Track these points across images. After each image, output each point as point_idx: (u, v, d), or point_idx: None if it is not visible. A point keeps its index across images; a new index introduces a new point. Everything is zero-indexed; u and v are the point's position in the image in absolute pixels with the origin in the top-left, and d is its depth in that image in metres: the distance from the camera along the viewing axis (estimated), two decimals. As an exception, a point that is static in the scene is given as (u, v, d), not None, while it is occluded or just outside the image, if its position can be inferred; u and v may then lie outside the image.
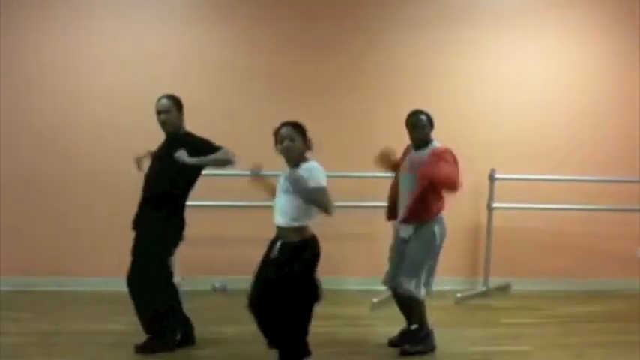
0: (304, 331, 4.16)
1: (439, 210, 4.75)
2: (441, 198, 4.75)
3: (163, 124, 4.66)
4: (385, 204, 5.05)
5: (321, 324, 4.65)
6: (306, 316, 4.15)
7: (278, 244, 4.10)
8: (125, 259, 4.57)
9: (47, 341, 4.79)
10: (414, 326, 4.85)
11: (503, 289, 6.69)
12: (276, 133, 4.13)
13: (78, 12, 6.27)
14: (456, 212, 6.63)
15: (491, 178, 6.42)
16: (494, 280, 6.62)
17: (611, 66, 6.86)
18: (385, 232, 6.24)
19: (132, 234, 4.61)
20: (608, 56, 6.86)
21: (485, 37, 6.69)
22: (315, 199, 3.98)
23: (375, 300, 6.03)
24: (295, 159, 4.12)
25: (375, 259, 6.49)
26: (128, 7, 6.34)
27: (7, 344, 4.66)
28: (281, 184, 4.16)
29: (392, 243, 4.98)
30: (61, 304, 5.73)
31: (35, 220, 6.26)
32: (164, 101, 4.65)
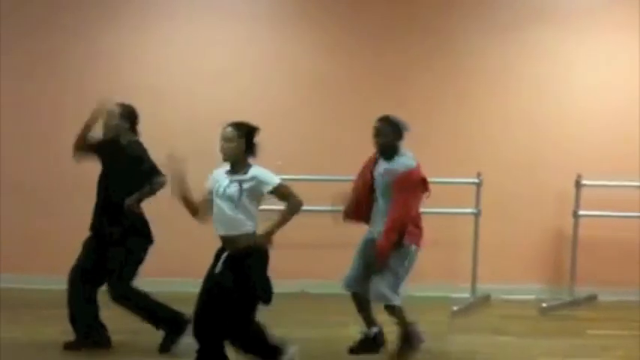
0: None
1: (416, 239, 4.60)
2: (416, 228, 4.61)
3: (104, 126, 4.72)
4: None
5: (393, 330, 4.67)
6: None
7: (224, 256, 3.99)
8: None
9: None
10: (374, 330, 4.73)
11: (590, 300, 6.44)
12: (222, 131, 4.03)
13: (156, 18, 6.47)
14: (539, 219, 6.52)
15: (578, 185, 6.18)
16: (580, 290, 6.36)
17: None
18: (464, 238, 6.17)
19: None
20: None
21: (571, 38, 6.46)
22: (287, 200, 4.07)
23: (454, 308, 5.91)
24: (233, 161, 4.00)
25: (453, 265, 6.41)
26: (208, 14, 6.48)
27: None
28: (219, 190, 3.98)
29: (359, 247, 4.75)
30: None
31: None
32: (114, 108, 4.72)
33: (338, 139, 6.33)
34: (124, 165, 4.70)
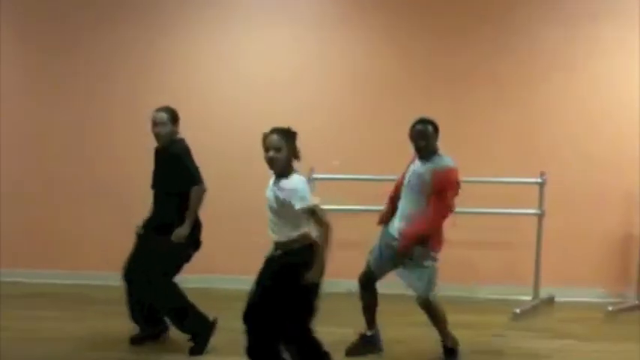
0: None
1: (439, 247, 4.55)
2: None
3: (157, 136, 4.71)
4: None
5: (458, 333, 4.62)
6: None
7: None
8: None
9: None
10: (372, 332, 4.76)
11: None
12: (265, 138, 3.84)
13: (211, 24, 6.55)
14: (605, 220, 6.34)
15: (645, 185, 6.00)
16: (649, 294, 6.17)
17: None
18: (527, 239, 6.05)
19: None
20: None
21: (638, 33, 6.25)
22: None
23: (516, 310, 5.80)
24: (280, 170, 3.86)
25: (513, 266, 6.30)
26: (264, 17, 6.52)
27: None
28: (269, 198, 3.89)
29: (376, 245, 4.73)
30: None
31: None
32: (162, 114, 4.68)
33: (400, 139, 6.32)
34: (166, 163, 4.74)
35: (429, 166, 4.45)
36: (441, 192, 4.38)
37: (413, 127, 4.52)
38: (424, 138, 4.47)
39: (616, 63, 6.28)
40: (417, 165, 4.54)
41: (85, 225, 6.64)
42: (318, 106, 6.46)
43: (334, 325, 5.15)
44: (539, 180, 5.99)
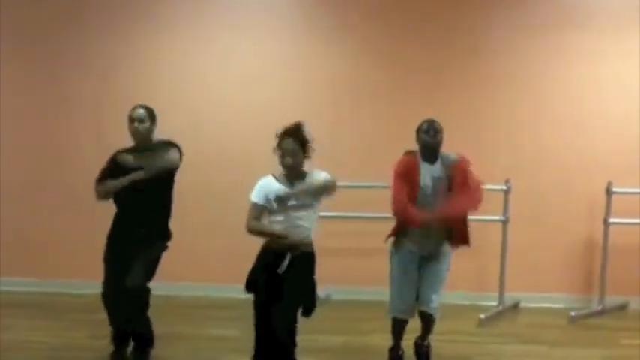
0: None
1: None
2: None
3: (135, 134, 4.48)
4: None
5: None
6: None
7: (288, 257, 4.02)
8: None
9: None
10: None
11: (620, 308, 6.35)
12: (279, 142, 3.97)
13: (188, 28, 6.50)
14: (569, 227, 6.44)
15: (608, 192, 6.10)
16: (611, 299, 6.28)
17: None
18: (492, 245, 6.12)
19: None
20: None
21: (601, 42, 6.34)
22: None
23: (482, 316, 5.86)
24: (295, 171, 4.01)
25: (481, 272, 6.37)
26: (241, 22, 6.48)
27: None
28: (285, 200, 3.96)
29: (400, 269, 4.46)
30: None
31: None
32: (140, 110, 4.49)
33: (371, 144, 6.35)
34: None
35: (438, 165, 4.36)
36: (470, 176, 4.35)
37: (423, 125, 4.39)
38: (440, 132, 4.36)
39: (583, 71, 6.39)
40: (427, 169, 4.36)
41: (54, 232, 6.51)
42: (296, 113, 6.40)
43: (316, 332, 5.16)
44: (503, 187, 6.06)
